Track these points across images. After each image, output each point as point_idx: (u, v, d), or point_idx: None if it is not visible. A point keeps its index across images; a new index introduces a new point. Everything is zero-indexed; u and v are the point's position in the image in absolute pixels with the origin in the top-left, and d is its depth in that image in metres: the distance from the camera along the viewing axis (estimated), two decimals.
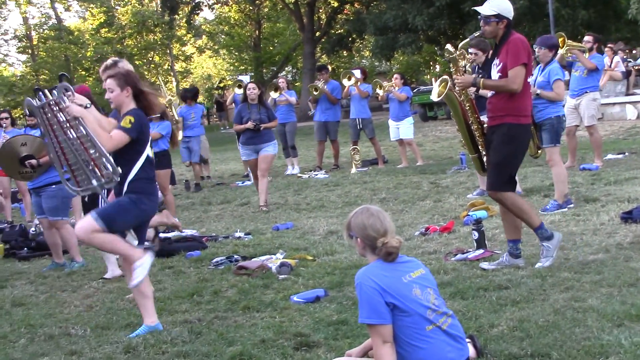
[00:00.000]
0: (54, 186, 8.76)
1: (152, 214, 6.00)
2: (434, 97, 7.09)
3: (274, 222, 10.29)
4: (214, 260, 8.09)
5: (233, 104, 16.84)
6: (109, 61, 6.97)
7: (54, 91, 5.76)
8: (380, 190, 12.31)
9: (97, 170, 5.59)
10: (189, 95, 16.24)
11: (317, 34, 42.83)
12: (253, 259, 7.92)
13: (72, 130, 5.56)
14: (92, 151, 5.57)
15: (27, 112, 9.49)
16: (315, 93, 16.44)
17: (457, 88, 6.83)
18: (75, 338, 5.83)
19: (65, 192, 8.68)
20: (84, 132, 5.53)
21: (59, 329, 6.10)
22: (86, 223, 5.62)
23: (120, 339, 5.64)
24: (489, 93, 6.80)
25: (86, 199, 8.20)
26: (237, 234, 9.54)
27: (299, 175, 15.90)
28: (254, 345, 5.17)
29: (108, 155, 5.54)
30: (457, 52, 6.97)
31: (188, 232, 10.00)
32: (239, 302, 6.43)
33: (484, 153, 6.89)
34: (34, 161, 8.59)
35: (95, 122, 5.62)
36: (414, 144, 16.06)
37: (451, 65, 6.98)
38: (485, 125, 6.82)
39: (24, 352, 5.55)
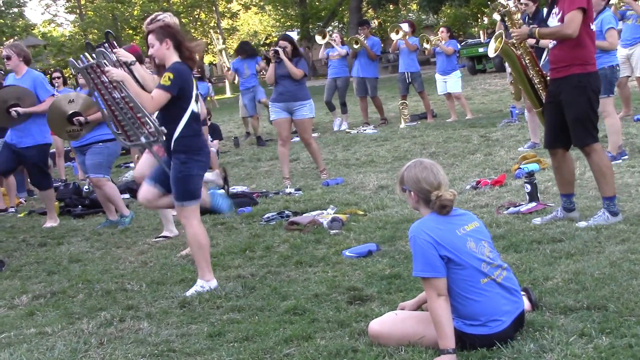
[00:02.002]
0: (100, 144, 8.85)
1: (207, 166, 6.01)
2: (491, 54, 6.98)
3: (326, 177, 10.29)
4: (265, 216, 8.14)
5: None
6: (152, 16, 6.97)
7: (94, 54, 5.79)
8: (429, 145, 12.25)
9: (143, 128, 5.62)
10: (245, 49, 16.21)
11: None
12: (304, 215, 7.96)
13: (116, 91, 5.58)
14: (137, 110, 5.60)
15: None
16: (355, 46, 16.29)
17: (514, 41, 6.68)
18: (131, 293, 5.92)
19: (110, 151, 8.83)
20: (127, 94, 5.54)
21: (115, 285, 6.19)
22: (181, 212, 5.82)
23: (176, 294, 5.71)
24: (550, 44, 6.60)
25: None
26: (288, 190, 9.57)
27: (348, 130, 15.87)
28: (307, 300, 5.21)
29: (151, 116, 5.55)
30: (511, 5, 6.81)
31: (238, 188, 10.06)
32: (291, 257, 6.47)
33: None
34: (81, 118, 8.65)
35: (136, 85, 5.58)
36: (462, 97, 15.90)
37: (506, 18, 6.84)
38: (548, 78, 6.66)
39: (82, 307, 5.65)
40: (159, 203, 6.24)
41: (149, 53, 5.88)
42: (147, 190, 6.14)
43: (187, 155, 5.72)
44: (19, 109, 8.68)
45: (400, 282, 5.34)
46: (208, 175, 6.57)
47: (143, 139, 5.71)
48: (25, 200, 11.60)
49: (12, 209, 10.64)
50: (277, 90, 10.42)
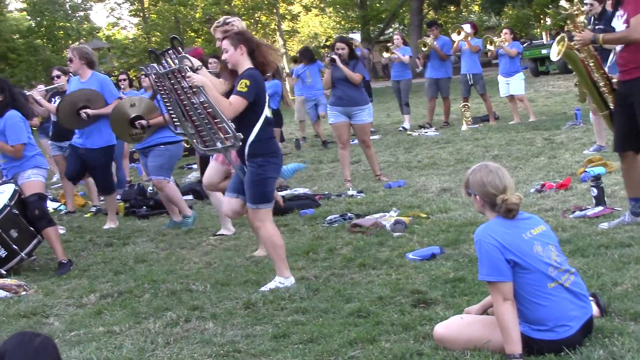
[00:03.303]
0: (162, 146, 8.98)
1: (277, 174, 6.07)
2: (553, 57, 6.88)
3: (386, 180, 10.27)
4: (328, 218, 8.16)
5: None
6: (220, 19, 7.04)
7: (178, 51, 5.87)
8: (492, 147, 12.14)
9: (220, 133, 5.68)
10: (305, 55, 16.32)
11: None
12: (367, 217, 7.95)
13: (195, 96, 5.66)
14: (215, 116, 5.66)
15: (143, 75, 9.71)
16: (424, 49, 16.26)
17: (576, 45, 6.58)
18: (196, 294, 5.98)
19: (172, 153, 8.95)
20: (206, 99, 5.61)
21: (180, 285, 6.27)
22: (255, 215, 5.95)
23: (240, 295, 5.76)
24: (617, 47, 6.47)
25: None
26: (350, 192, 9.58)
27: (409, 132, 15.82)
28: (371, 302, 5.21)
29: (228, 121, 5.61)
30: (574, 8, 6.70)
31: (300, 190, 10.11)
32: (354, 259, 6.48)
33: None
34: (143, 122, 8.79)
35: (215, 90, 5.68)
36: (525, 99, 15.71)
37: (568, 22, 6.74)
38: (614, 80, 6.54)
39: (148, 307, 5.73)
40: (243, 211, 6.36)
41: (222, 58, 5.97)
42: (230, 203, 6.30)
43: (263, 158, 5.82)
44: (89, 111, 8.84)
45: (465, 285, 5.31)
46: None
47: (219, 144, 5.77)
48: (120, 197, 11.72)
49: (94, 208, 10.80)
50: (336, 95, 10.39)
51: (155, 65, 5.98)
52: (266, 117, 5.90)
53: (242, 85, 5.71)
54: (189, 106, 5.72)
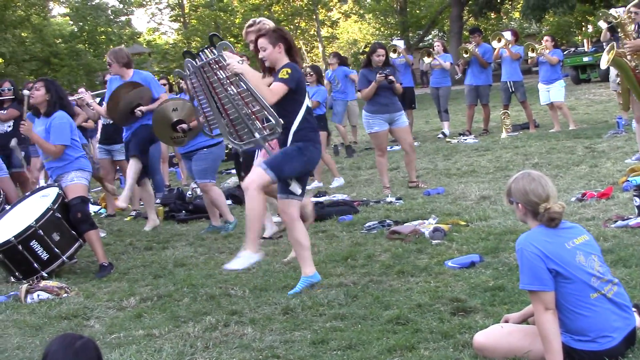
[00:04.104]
0: (205, 150, 9.04)
1: (316, 162, 6.15)
2: (603, 65, 6.84)
3: (424, 187, 10.24)
4: (367, 225, 8.15)
5: None
6: (250, 21, 7.10)
7: (214, 50, 5.91)
8: (532, 155, 12.05)
9: (258, 123, 5.71)
10: (333, 60, 16.43)
11: None
12: (405, 224, 7.93)
13: (232, 86, 5.68)
14: (253, 105, 5.68)
15: (180, 76, 9.83)
16: (465, 55, 16.20)
17: (627, 53, 6.51)
18: (235, 298, 6.01)
19: (215, 155, 9.01)
20: (245, 87, 5.64)
21: (219, 289, 6.30)
22: (256, 175, 5.85)
23: (279, 301, 5.78)
24: None
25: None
26: (388, 199, 9.56)
27: (448, 139, 15.76)
28: (410, 310, 5.19)
29: (270, 107, 5.64)
30: (624, 16, 6.62)
31: (339, 196, 10.11)
32: (393, 266, 6.46)
33: None
34: (184, 125, 8.87)
35: (255, 77, 5.73)
36: (564, 107, 15.52)
37: (619, 30, 6.67)
38: None
39: (187, 311, 5.76)
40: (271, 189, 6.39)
41: (260, 56, 6.00)
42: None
43: (304, 143, 5.88)
44: (143, 108, 8.97)
45: (505, 294, 5.28)
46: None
47: (257, 135, 5.79)
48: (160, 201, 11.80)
49: (134, 212, 10.88)
50: (379, 102, 10.29)
51: (190, 59, 6.03)
52: (308, 107, 5.96)
53: (284, 72, 5.79)
54: (226, 98, 5.74)
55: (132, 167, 9.06)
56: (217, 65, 5.74)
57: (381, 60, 10.29)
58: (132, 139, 9.27)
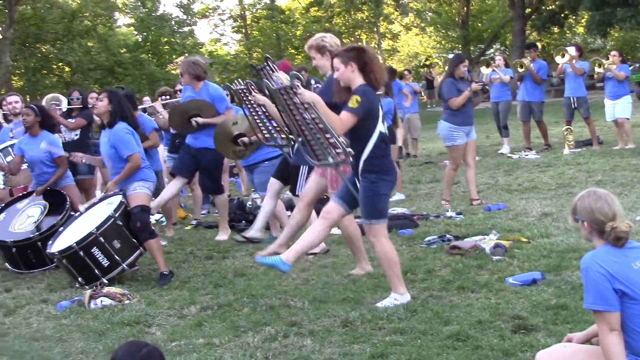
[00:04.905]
0: (266, 162, 9.12)
1: (389, 191, 6.14)
2: None
3: (485, 203, 10.16)
4: (427, 239, 8.12)
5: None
6: (312, 37, 7.15)
7: (287, 77, 5.97)
8: (595, 172, 11.88)
9: (331, 148, 5.74)
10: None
11: (528, 10, 41.65)
12: (466, 239, 7.89)
13: (307, 112, 5.73)
14: (326, 132, 5.72)
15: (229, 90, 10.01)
16: (520, 70, 16.02)
17: None
18: (294, 310, 6.03)
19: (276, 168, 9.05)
20: (317, 115, 5.67)
21: (278, 300, 6.33)
22: (369, 231, 6.05)
23: (338, 313, 5.79)
24: None
25: None
26: (448, 213, 9.52)
27: (509, 155, 15.60)
28: (470, 326, 5.17)
29: (339, 138, 5.66)
30: None
31: (399, 210, 10.09)
32: (453, 281, 6.43)
33: None
34: (245, 139, 8.96)
35: (326, 107, 5.74)
36: (627, 124, 15.17)
37: None
38: None
39: (247, 320, 5.80)
40: (341, 220, 6.43)
41: (335, 76, 6.03)
42: (333, 207, 6.20)
43: (377, 175, 5.86)
44: (199, 119, 9.09)
45: (567, 313, 5.22)
46: None
47: (330, 159, 5.84)
48: (208, 212, 11.94)
49: (194, 221, 10.99)
50: (466, 113, 10.27)
51: (267, 81, 6.10)
52: (381, 133, 5.92)
53: (353, 101, 5.76)
54: (302, 121, 5.79)
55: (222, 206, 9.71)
56: (292, 91, 5.78)
57: (465, 72, 10.30)
58: (204, 177, 9.56)
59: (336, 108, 5.85)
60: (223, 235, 9.58)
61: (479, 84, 10.04)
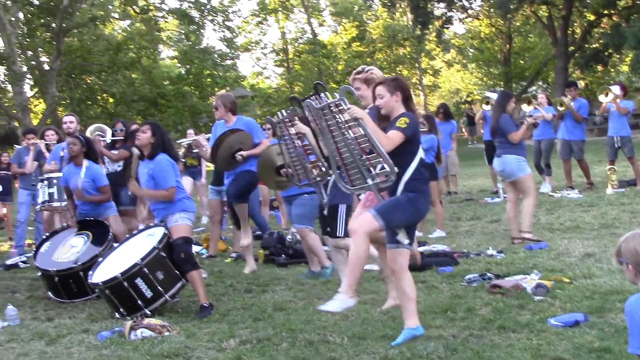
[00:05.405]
0: (306, 195, 9.13)
1: (424, 214, 6.16)
2: None
3: (526, 242, 10.07)
4: (467, 277, 8.07)
5: (482, 120, 16.84)
6: (359, 68, 7.19)
7: (335, 94, 5.99)
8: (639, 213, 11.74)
9: (372, 169, 5.74)
10: (440, 111, 16.40)
11: (571, 48, 41.51)
12: (507, 278, 7.82)
13: (350, 130, 5.74)
14: (369, 151, 5.73)
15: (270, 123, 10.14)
16: (560, 108, 15.91)
17: None
18: (333, 345, 6.01)
19: (315, 202, 9.07)
20: (363, 132, 5.68)
21: (317, 336, 6.31)
22: (365, 221, 5.88)
23: (377, 350, 5.76)
24: None
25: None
26: (489, 252, 9.46)
27: (551, 194, 15.47)
28: None
29: (386, 155, 5.66)
30: None
31: (439, 247, 10.05)
32: (493, 321, 6.37)
33: None
34: (288, 170, 8.97)
35: (373, 123, 5.77)
36: None
37: None
38: None
39: (286, 356, 5.80)
40: (375, 236, 6.34)
41: (377, 104, 6.06)
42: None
43: (415, 194, 5.90)
44: (244, 153, 9.20)
45: (611, 356, 5.14)
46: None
47: (370, 181, 5.82)
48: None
49: (234, 254, 11.06)
50: (523, 146, 10.46)
51: (309, 100, 6.12)
52: (421, 159, 5.98)
53: (402, 122, 5.85)
54: (342, 142, 5.79)
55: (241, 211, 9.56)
56: (337, 109, 5.80)
57: (513, 108, 10.54)
58: (233, 184, 9.49)
59: None
60: (246, 239, 9.67)
61: (533, 117, 10.07)
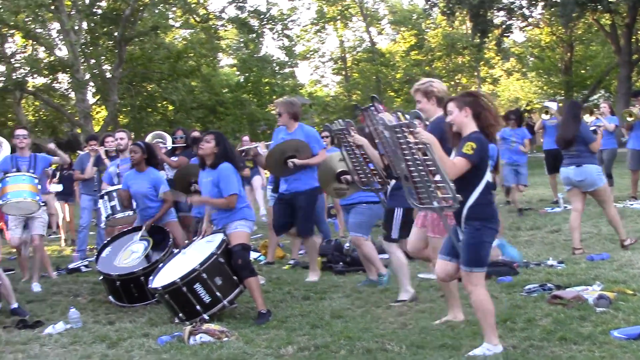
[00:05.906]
0: (364, 204, 9.10)
1: (493, 238, 6.04)
2: None
3: (588, 252, 9.92)
4: (527, 287, 7.98)
5: (541, 130, 16.64)
6: (422, 80, 7.14)
7: (406, 116, 5.98)
8: None
9: (438, 192, 5.71)
10: (512, 117, 16.01)
11: (635, 56, 40.81)
12: (568, 289, 7.72)
13: (418, 152, 5.71)
14: (435, 175, 5.70)
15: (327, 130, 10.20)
16: (629, 119, 15.64)
17: None
18: (391, 354, 5.99)
19: (373, 212, 9.05)
20: (430, 156, 5.64)
21: (375, 344, 6.30)
22: (469, 280, 5.92)
23: (436, 359, 5.71)
24: None
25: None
26: (550, 262, 9.33)
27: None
28: None
29: (450, 182, 5.61)
30: None
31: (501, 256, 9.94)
32: (554, 332, 6.29)
33: None
34: (348, 177, 8.96)
35: (441, 150, 5.70)
36: None
37: None
38: None
39: None
40: (457, 275, 6.30)
41: (447, 120, 6.00)
42: (443, 266, 6.22)
43: (480, 222, 5.79)
44: (296, 161, 9.23)
45: None
46: None
47: (435, 204, 5.79)
48: (306, 252, 11.97)
49: (292, 261, 11.11)
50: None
51: (383, 117, 6.10)
52: (487, 182, 5.88)
53: (468, 147, 5.73)
54: (411, 161, 5.77)
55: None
56: (408, 130, 5.77)
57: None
58: (299, 213, 9.58)
59: None
60: (313, 276, 9.64)
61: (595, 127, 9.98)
